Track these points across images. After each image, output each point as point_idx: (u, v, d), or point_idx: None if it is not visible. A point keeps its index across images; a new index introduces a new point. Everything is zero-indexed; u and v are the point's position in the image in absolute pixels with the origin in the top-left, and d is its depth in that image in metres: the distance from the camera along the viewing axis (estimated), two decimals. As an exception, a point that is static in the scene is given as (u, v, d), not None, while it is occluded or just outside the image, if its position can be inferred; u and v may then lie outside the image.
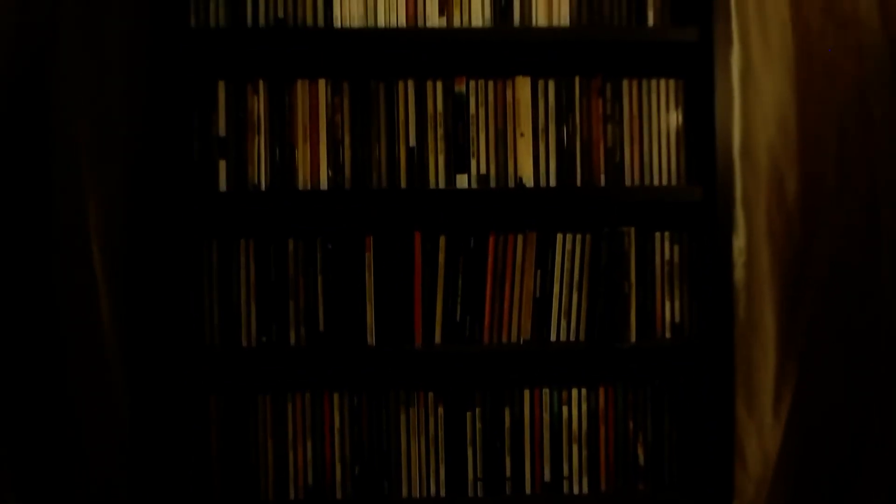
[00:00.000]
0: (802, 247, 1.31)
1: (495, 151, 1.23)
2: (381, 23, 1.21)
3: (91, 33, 1.23)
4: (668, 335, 1.25)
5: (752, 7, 1.30)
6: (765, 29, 1.30)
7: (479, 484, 1.24)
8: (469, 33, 1.21)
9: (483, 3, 1.22)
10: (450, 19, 1.22)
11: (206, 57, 1.23)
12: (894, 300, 1.30)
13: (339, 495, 1.23)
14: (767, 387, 1.30)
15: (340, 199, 1.20)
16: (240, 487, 1.22)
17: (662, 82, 1.25)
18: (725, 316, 1.21)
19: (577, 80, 1.24)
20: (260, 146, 1.21)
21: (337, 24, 1.21)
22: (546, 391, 1.24)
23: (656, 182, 1.25)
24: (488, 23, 1.22)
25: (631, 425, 1.25)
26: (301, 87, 1.22)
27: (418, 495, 1.23)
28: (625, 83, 1.24)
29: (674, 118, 1.25)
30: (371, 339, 1.22)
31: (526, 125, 1.23)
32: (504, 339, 1.23)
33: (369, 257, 1.22)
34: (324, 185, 1.21)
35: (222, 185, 1.21)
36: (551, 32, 1.22)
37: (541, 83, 1.23)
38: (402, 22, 1.21)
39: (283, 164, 1.21)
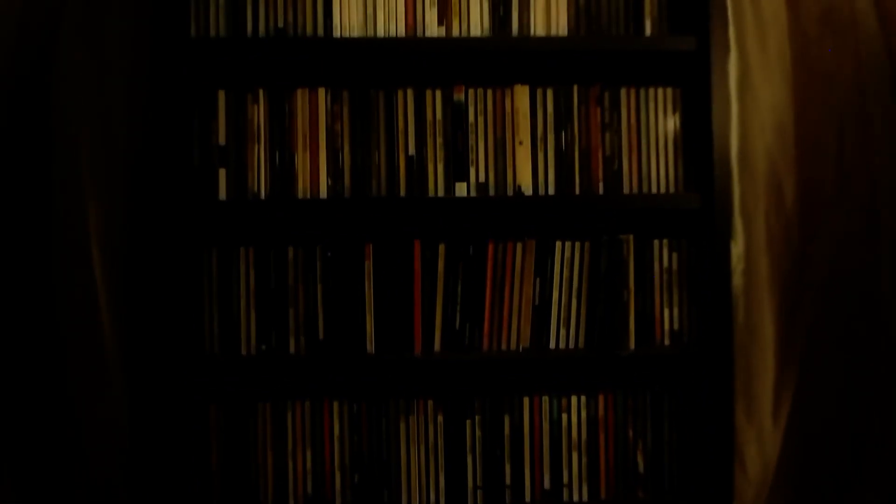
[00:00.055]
0: (801, 252, 1.31)
1: (494, 159, 1.24)
2: (381, 32, 1.22)
3: (92, 38, 1.23)
4: (667, 342, 1.25)
5: (749, 14, 1.30)
6: (762, 36, 1.31)
7: (478, 492, 1.24)
8: (468, 42, 1.21)
9: (482, 12, 1.23)
10: (449, 28, 1.23)
11: (207, 66, 1.24)
12: (894, 305, 1.30)
13: (338, 504, 1.23)
14: (767, 392, 1.30)
15: (340, 208, 1.20)
16: (239, 496, 1.22)
17: (660, 90, 1.25)
18: (724, 322, 1.22)
19: (575, 88, 1.24)
20: (260, 154, 1.22)
21: (336, 33, 1.22)
22: (545, 398, 1.24)
23: (654, 190, 1.25)
24: (487, 32, 1.23)
25: (630, 432, 1.25)
26: (301, 96, 1.22)
27: (418, 503, 1.23)
28: (623, 91, 1.25)
29: (672, 126, 1.26)
30: (371, 346, 1.22)
31: (525, 133, 1.24)
32: (503, 347, 1.23)
33: (369, 265, 1.22)
34: (323, 193, 1.22)
35: (222, 194, 1.21)
36: (549, 42, 1.22)
37: (539, 92, 1.24)
38: (402, 31, 1.22)
39: (282, 173, 1.22)
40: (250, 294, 1.21)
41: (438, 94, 1.23)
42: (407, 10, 1.22)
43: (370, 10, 1.22)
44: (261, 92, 1.22)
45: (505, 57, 1.23)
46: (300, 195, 1.22)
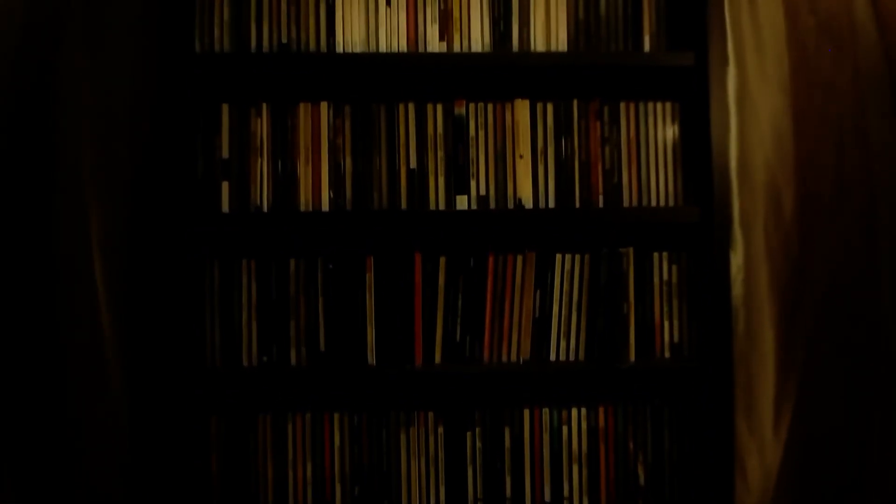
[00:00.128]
0: (800, 264, 1.31)
1: (495, 173, 1.25)
2: (383, 47, 1.23)
3: (95, 47, 1.23)
4: (667, 354, 1.26)
5: (748, 26, 1.31)
6: (761, 47, 1.31)
7: (479, 504, 1.24)
8: (469, 58, 1.23)
9: (483, 28, 1.24)
10: (450, 44, 1.24)
11: (211, 80, 1.25)
12: (893, 315, 1.30)
13: (339, 515, 1.23)
14: (767, 403, 1.30)
15: (341, 220, 1.21)
16: (240, 507, 1.22)
17: (659, 105, 1.27)
18: (724, 335, 1.22)
19: (575, 102, 1.26)
20: (262, 168, 1.23)
21: (339, 48, 1.23)
22: (546, 411, 1.25)
23: (654, 202, 1.26)
24: (488, 47, 1.24)
25: (631, 444, 1.25)
26: (303, 110, 1.23)
27: (419, 515, 1.23)
28: (622, 106, 1.26)
29: (671, 140, 1.27)
30: (371, 358, 1.23)
31: (525, 147, 1.25)
32: (504, 359, 1.24)
33: (370, 277, 1.23)
34: (325, 206, 1.23)
35: (225, 206, 1.22)
36: (549, 57, 1.24)
37: (539, 106, 1.25)
38: (403, 46, 1.24)
39: (285, 186, 1.23)
40: (252, 306, 1.22)
41: (439, 108, 1.24)
42: (408, 26, 1.24)
43: (372, 26, 1.23)
44: (264, 106, 1.23)
45: (505, 72, 1.24)
46: (302, 208, 1.23)
